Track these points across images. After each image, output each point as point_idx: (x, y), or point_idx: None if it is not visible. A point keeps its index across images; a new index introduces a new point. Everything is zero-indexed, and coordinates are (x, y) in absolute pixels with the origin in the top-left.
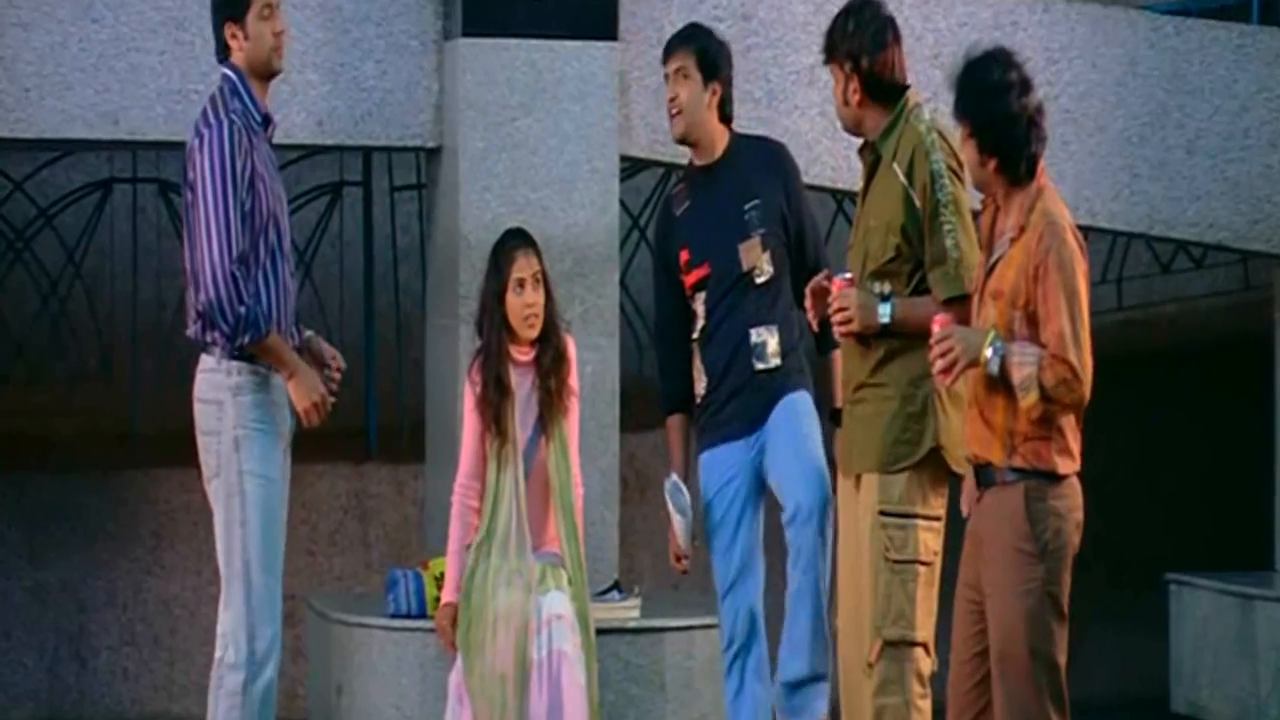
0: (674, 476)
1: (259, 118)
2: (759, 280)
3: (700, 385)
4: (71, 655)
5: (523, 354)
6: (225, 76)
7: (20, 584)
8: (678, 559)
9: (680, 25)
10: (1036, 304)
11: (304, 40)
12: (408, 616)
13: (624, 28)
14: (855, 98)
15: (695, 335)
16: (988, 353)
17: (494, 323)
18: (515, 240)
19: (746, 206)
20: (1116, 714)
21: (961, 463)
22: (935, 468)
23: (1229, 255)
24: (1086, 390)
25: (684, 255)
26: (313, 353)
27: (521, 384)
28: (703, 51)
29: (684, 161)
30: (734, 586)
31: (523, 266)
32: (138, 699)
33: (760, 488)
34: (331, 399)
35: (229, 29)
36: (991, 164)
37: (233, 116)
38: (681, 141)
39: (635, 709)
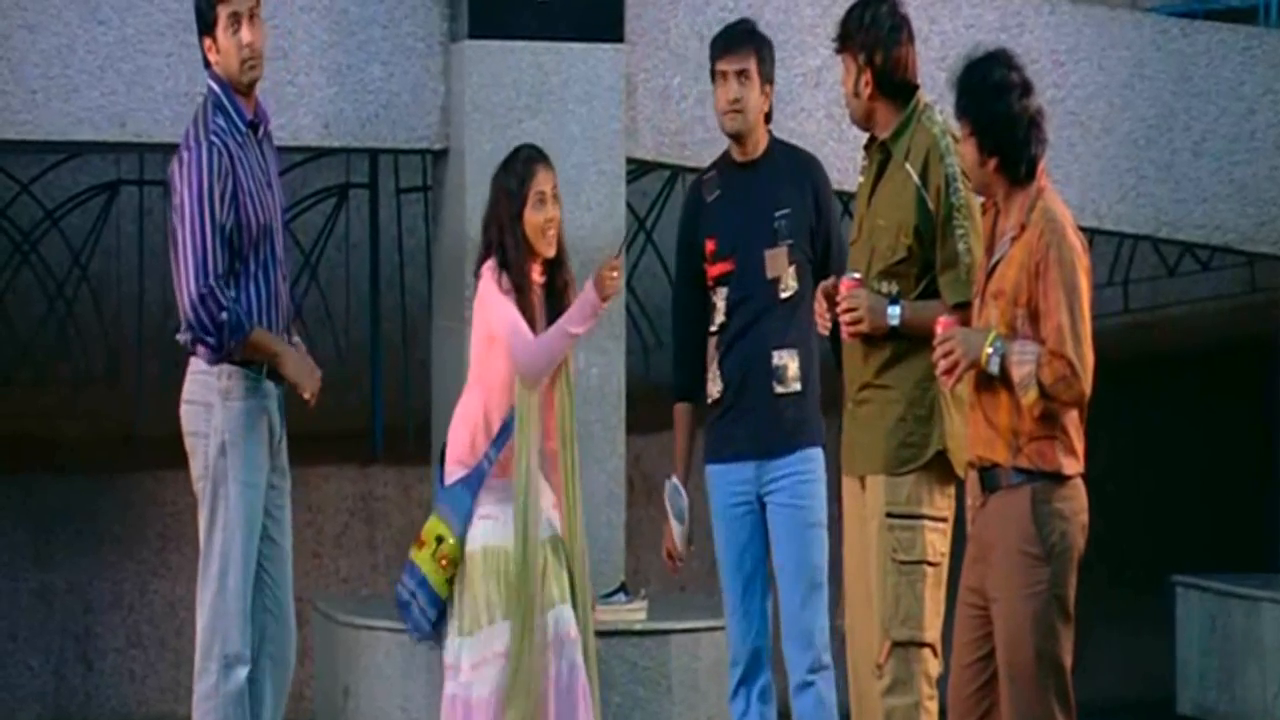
0: (674, 479)
1: (244, 126)
2: (784, 295)
3: (714, 389)
4: (78, 657)
5: (536, 275)
6: (209, 88)
7: (26, 586)
8: (670, 557)
9: (686, 28)
10: (1038, 300)
11: (310, 43)
12: (434, 626)
13: (630, 30)
14: (867, 90)
15: (714, 329)
16: (988, 351)
17: (515, 239)
18: (533, 153)
19: (777, 214)
20: (1120, 716)
21: (963, 462)
22: (941, 469)
23: (1235, 257)
24: (1086, 387)
25: (710, 245)
26: None
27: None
28: (763, 56)
29: (690, 164)
30: (740, 608)
31: (543, 180)
32: (144, 700)
33: (765, 515)
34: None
35: (205, 43)
36: (991, 164)
37: (213, 137)
38: (730, 136)
39: (641, 711)
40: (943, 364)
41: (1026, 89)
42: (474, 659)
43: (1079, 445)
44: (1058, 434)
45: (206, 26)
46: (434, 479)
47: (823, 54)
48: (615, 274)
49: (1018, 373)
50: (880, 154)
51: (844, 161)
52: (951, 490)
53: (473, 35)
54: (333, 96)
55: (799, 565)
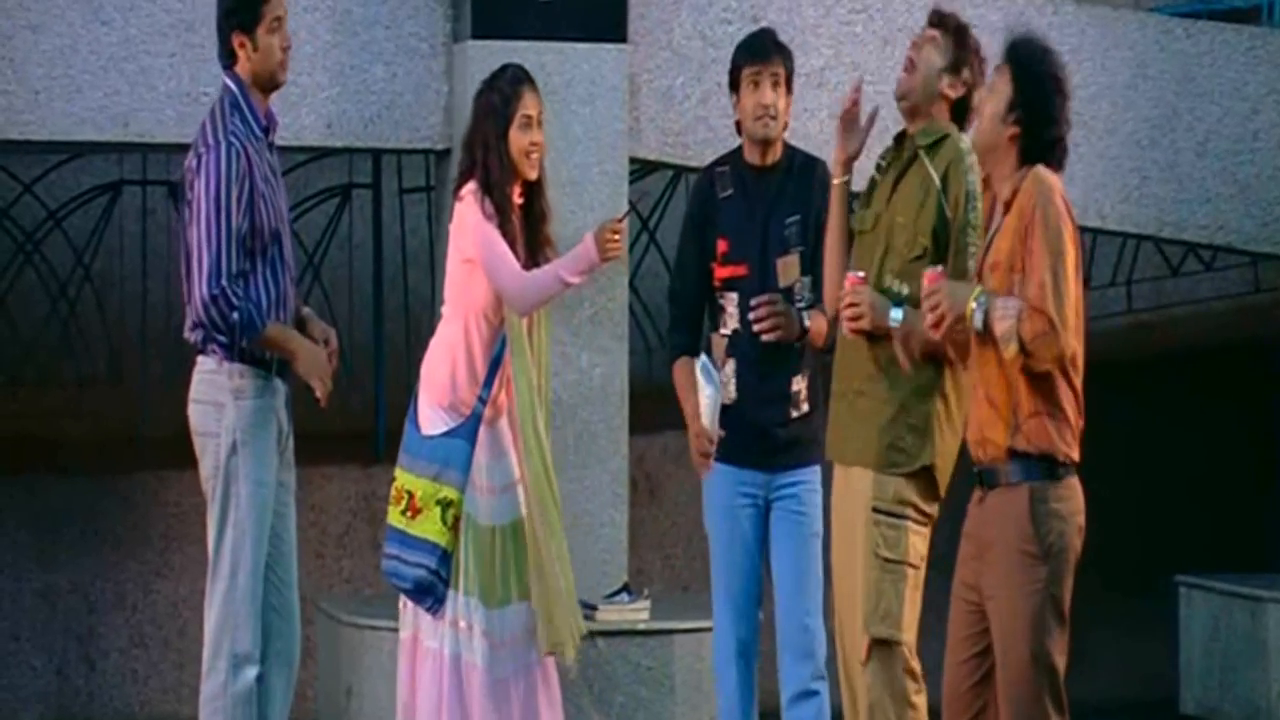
0: (704, 356)
1: (260, 130)
2: (800, 306)
3: (728, 395)
4: (81, 657)
5: (515, 198)
6: (226, 88)
7: (29, 586)
8: (699, 437)
9: (689, 28)
10: (1025, 260)
11: (314, 43)
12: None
13: (633, 30)
14: (1010, 131)
15: (726, 333)
16: (972, 305)
17: (499, 159)
18: (520, 73)
19: (788, 221)
20: (1121, 716)
21: (946, 484)
22: (928, 479)
23: (1239, 258)
24: (1066, 346)
25: (722, 245)
26: (307, 333)
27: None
28: (788, 64)
29: (693, 164)
30: (727, 615)
31: (530, 104)
32: (147, 701)
33: (766, 519)
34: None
35: (237, 39)
36: (1012, 129)
37: (232, 138)
38: (759, 142)
39: (644, 711)
40: (929, 317)
41: (1067, 95)
42: (494, 635)
43: (1076, 429)
44: (1055, 411)
45: (246, 23)
46: (407, 421)
47: (825, 54)
48: (617, 237)
49: (1000, 327)
50: (908, 151)
51: None
52: (938, 496)
53: (475, 35)
54: (336, 96)
55: (803, 574)
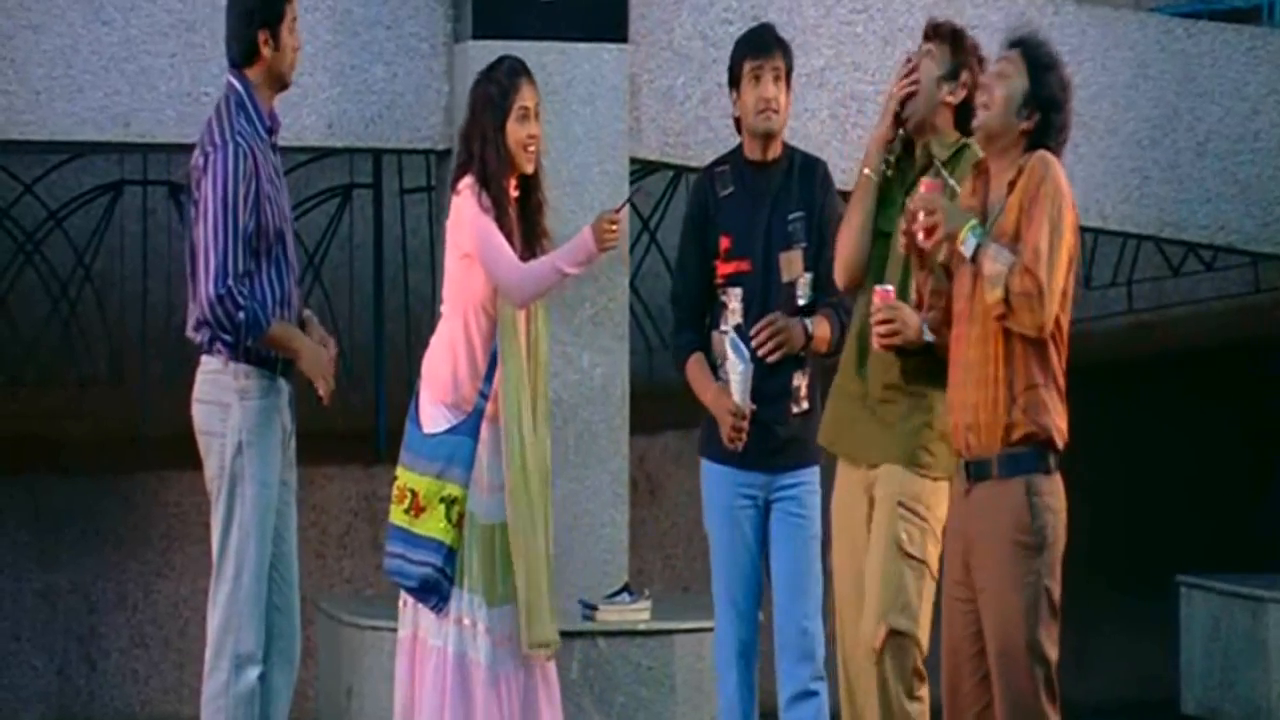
0: (733, 333)
1: (264, 131)
2: (801, 303)
3: (730, 387)
4: (82, 657)
5: (511, 190)
6: (231, 86)
7: (30, 586)
8: (733, 414)
9: (690, 28)
10: (1024, 229)
11: (314, 43)
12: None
13: (634, 30)
14: (1025, 124)
15: (725, 329)
16: (967, 231)
17: (497, 152)
18: (516, 64)
19: (791, 216)
20: (1121, 717)
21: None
22: (945, 492)
23: (1239, 258)
24: (1048, 318)
25: (724, 242)
26: (307, 335)
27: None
28: (789, 59)
29: (694, 164)
30: (728, 615)
31: (527, 96)
32: (148, 701)
33: (766, 520)
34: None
35: (262, 36)
36: (1026, 123)
37: (239, 138)
38: (762, 136)
39: (645, 711)
40: (924, 220)
41: (1071, 99)
42: (495, 632)
43: (1064, 409)
44: (1049, 382)
45: (271, 20)
46: (409, 420)
47: (826, 54)
48: (614, 227)
49: (989, 268)
50: (921, 161)
51: (848, 162)
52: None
53: (476, 35)
54: (336, 97)
55: (802, 576)
